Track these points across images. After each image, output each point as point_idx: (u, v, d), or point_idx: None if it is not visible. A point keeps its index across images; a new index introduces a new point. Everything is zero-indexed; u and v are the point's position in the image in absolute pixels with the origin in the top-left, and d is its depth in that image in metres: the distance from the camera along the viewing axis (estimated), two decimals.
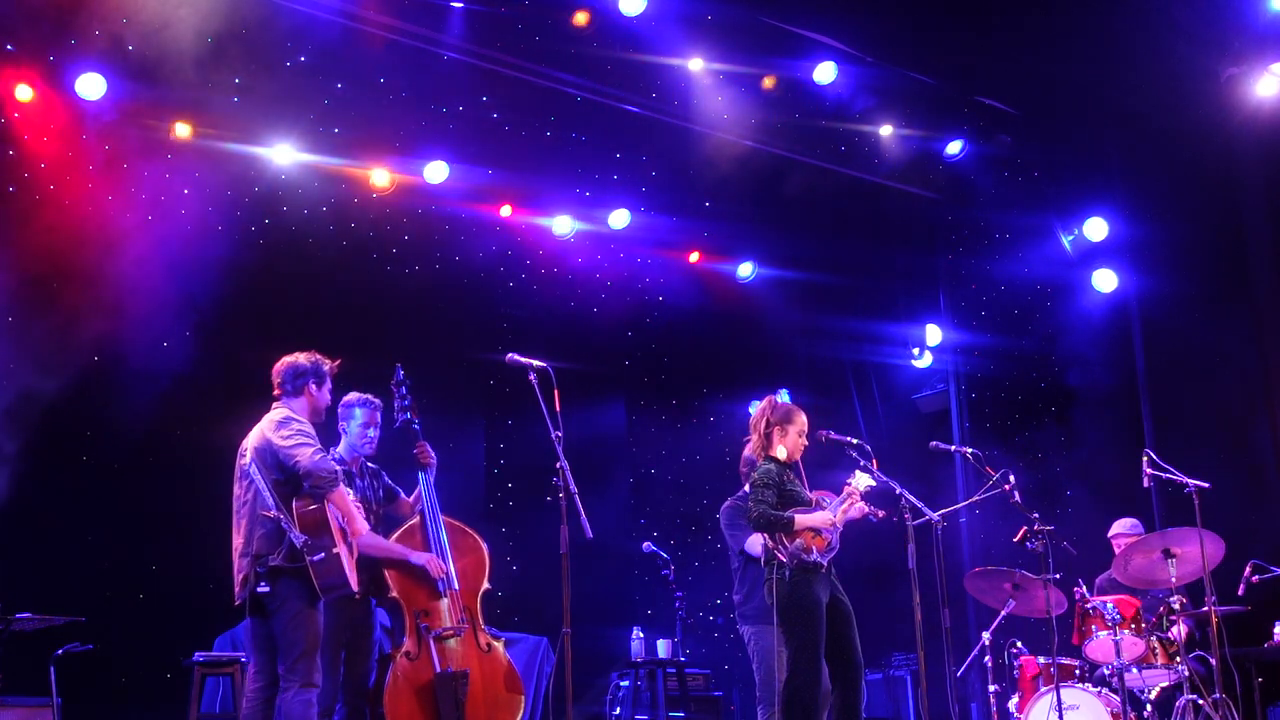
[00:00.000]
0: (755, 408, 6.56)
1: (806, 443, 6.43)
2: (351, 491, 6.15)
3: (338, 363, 6.11)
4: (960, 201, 11.08)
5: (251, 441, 5.86)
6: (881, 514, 6.73)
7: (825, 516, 6.21)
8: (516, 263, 10.63)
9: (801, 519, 6.16)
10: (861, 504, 6.54)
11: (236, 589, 5.79)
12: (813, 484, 6.57)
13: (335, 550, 5.56)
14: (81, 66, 8.26)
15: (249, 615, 5.76)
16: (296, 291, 9.23)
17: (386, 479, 6.82)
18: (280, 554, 5.59)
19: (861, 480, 6.48)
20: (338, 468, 5.77)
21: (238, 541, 5.82)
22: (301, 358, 6.01)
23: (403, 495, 6.84)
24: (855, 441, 6.73)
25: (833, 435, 6.56)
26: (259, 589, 5.54)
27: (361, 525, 5.94)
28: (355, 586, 5.78)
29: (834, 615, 6.17)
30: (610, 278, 11.00)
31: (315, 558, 5.53)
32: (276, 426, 5.79)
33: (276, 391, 6.01)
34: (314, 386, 5.98)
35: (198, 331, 8.88)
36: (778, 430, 6.38)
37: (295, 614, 5.60)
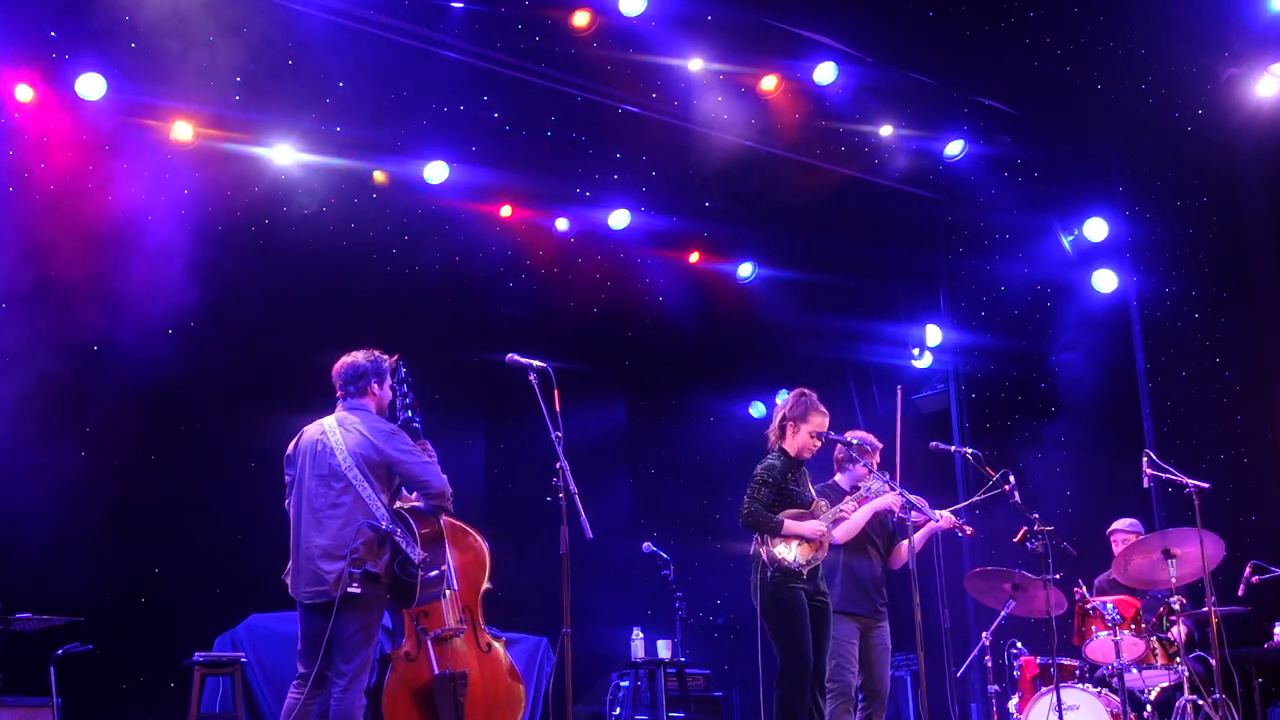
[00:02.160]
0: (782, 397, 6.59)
1: (819, 444, 6.42)
2: None
3: (395, 357, 6.07)
4: (960, 201, 11.07)
5: (345, 442, 5.74)
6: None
7: (815, 527, 6.21)
8: (516, 263, 10.63)
9: (791, 526, 6.17)
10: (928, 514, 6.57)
11: (317, 587, 5.62)
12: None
13: (443, 567, 5.70)
14: (81, 66, 8.26)
15: (317, 615, 5.64)
16: (296, 292, 9.23)
17: None
18: (380, 563, 5.58)
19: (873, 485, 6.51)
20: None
21: (321, 541, 5.64)
22: (360, 356, 5.95)
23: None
24: (855, 442, 6.74)
25: (832, 435, 6.56)
26: (351, 589, 5.47)
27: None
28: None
29: (810, 614, 6.18)
30: (610, 278, 11.00)
31: (430, 574, 5.61)
32: (388, 437, 5.76)
33: (339, 394, 5.96)
34: (375, 385, 5.93)
35: (199, 331, 8.88)
36: (791, 426, 6.40)
37: (372, 622, 5.64)
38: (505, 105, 9.62)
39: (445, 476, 5.79)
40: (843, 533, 6.54)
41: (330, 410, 6.00)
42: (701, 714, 9.34)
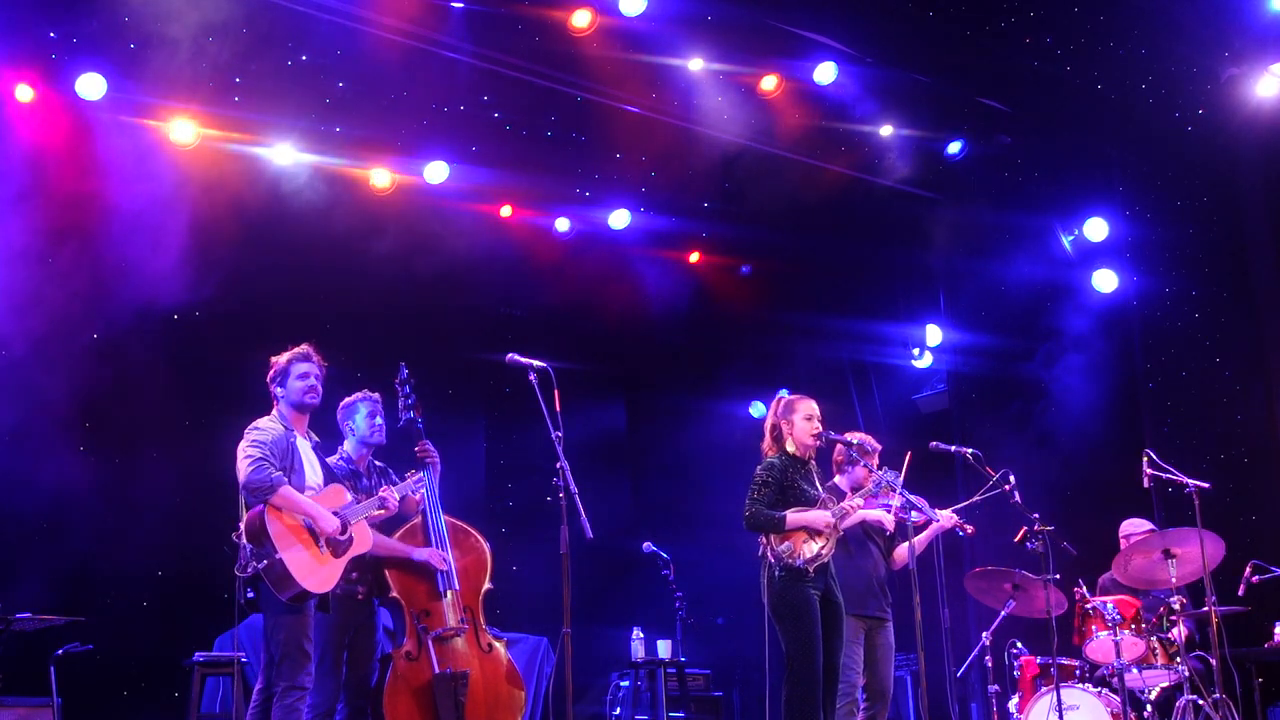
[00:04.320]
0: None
1: (818, 428, 6.37)
2: (348, 492, 6.17)
3: (300, 348, 6.10)
4: (960, 201, 11.06)
5: None
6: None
7: (821, 516, 6.19)
8: (516, 263, 10.63)
9: (794, 518, 6.14)
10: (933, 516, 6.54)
11: None
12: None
13: (278, 556, 5.56)
14: (81, 66, 8.26)
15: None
16: (296, 291, 9.23)
17: (393, 476, 6.82)
18: (248, 566, 5.66)
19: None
20: (276, 473, 5.69)
21: None
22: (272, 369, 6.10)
23: (408, 493, 6.83)
24: (855, 441, 6.74)
25: (832, 435, 6.55)
26: (248, 595, 5.65)
27: (327, 522, 5.79)
28: (319, 588, 5.69)
29: (822, 614, 6.16)
30: (610, 278, 11.00)
31: (259, 565, 5.59)
32: (243, 438, 5.86)
33: None
34: (277, 389, 6.07)
35: (198, 331, 8.89)
36: (785, 425, 6.37)
37: (274, 618, 5.66)
38: (505, 105, 9.62)
39: (254, 468, 5.64)
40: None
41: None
42: (701, 714, 9.34)
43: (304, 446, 6.02)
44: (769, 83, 9.83)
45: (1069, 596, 7.62)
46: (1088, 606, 7.54)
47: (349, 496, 6.03)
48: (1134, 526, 8.42)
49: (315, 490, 5.93)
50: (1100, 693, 7.36)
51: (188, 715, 7.27)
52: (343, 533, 5.84)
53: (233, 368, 8.92)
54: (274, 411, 6.04)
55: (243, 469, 5.69)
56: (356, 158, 9.53)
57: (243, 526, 5.67)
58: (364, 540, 5.98)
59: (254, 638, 7.86)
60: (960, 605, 9.19)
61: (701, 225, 11.14)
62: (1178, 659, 7.39)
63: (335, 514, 5.85)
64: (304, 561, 5.64)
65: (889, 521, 6.77)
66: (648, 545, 9.18)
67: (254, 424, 5.91)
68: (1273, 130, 9.47)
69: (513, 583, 9.87)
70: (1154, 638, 7.46)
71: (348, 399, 6.69)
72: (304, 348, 6.15)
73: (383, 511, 6.17)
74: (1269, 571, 7.65)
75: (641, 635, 9.01)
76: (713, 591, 11.05)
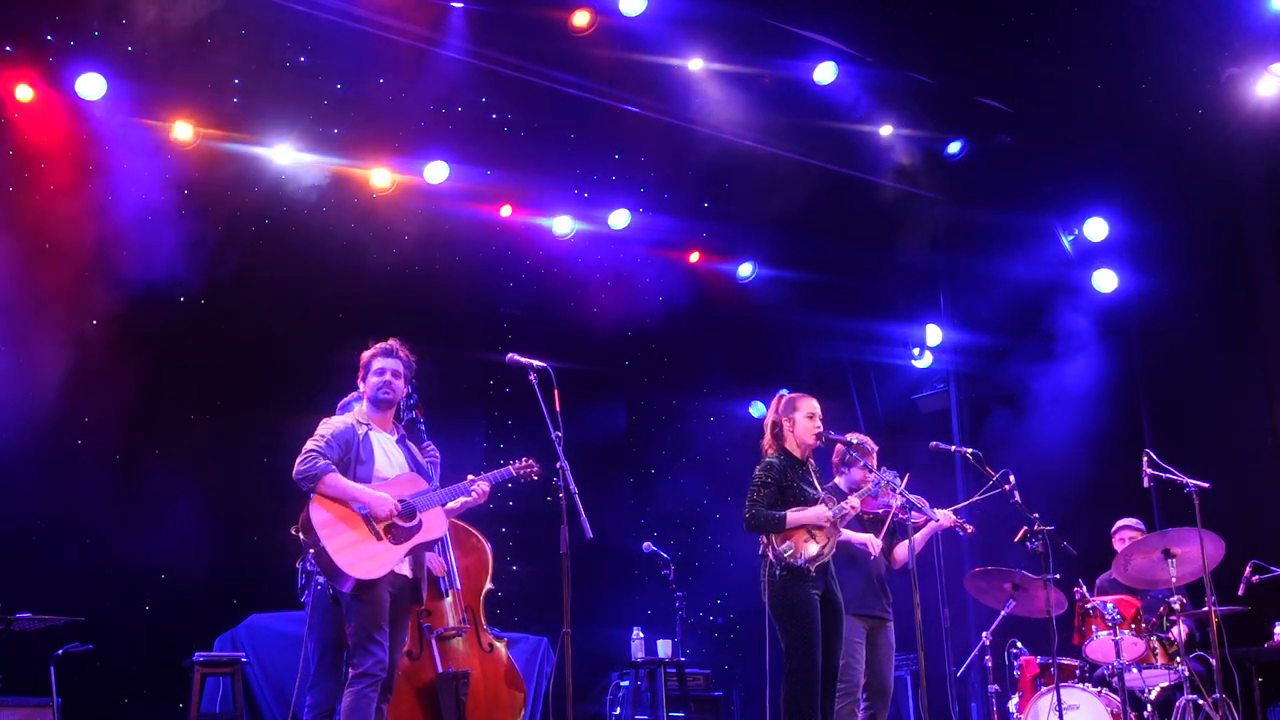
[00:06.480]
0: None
1: (820, 427, 6.37)
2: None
3: (385, 343, 6.03)
4: (960, 201, 11.07)
5: None
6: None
7: (820, 512, 6.18)
8: (516, 263, 10.63)
9: (794, 516, 6.14)
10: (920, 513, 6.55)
11: None
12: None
13: (321, 545, 5.49)
14: (81, 66, 8.27)
15: None
16: (296, 291, 9.23)
17: None
18: (305, 557, 5.67)
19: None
20: (323, 462, 5.58)
21: None
22: None
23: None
24: (855, 441, 6.74)
25: (832, 434, 6.55)
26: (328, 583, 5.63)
27: (380, 505, 5.59)
28: (370, 574, 5.50)
29: (821, 613, 6.16)
30: (610, 278, 11.00)
31: (310, 555, 5.56)
32: None
33: None
34: (361, 385, 6.00)
35: (198, 331, 8.89)
36: (786, 422, 6.36)
37: (347, 606, 5.57)
38: (505, 105, 9.62)
39: (300, 461, 5.57)
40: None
41: (326, 409, 6.11)
42: (701, 714, 9.34)
43: (382, 440, 5.88)
44: (769, 82, 9.84)
45: (1069, 596, 7.63)
46: (1088, 606, 7.55)
47: (424, 485, 5.87)
48: (1123, 524, 8.45)
49: (386, 480, 5.77)
50: (1100, 693, 7.36)
51: (188, 715, 7.26)
52: (410, 518, 5.68)
53: (231, 368, 8.94)
54: (358, 406, 5.97)
55: (295, 464, 5.62)
56: (356, 158, 9.53)
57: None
58: (435, 527, 5.80)
59: (254, 638, 7.87)
60: (960, 605, 9.20)
61: (701, 225, 11.15)
62: (1178, 659, 7.40)
63: (402, 500, 5.68)
64: (351, 549, 5.50)
65: (875, 548, 6.75)
66: (648, 545, 9.18)
67: (325, 419, 5.85)
68: (1273, 130, 9.48)
69: (513, 583, 9.88)
70: (1154, 637, 7.47)
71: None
72: (389, 342, 6.05)
73: (468, 499, 6.01)
74: (1269, 571, 7.65)
75: (641, 635, 9.00)
76: (713, 591, 11.07)
